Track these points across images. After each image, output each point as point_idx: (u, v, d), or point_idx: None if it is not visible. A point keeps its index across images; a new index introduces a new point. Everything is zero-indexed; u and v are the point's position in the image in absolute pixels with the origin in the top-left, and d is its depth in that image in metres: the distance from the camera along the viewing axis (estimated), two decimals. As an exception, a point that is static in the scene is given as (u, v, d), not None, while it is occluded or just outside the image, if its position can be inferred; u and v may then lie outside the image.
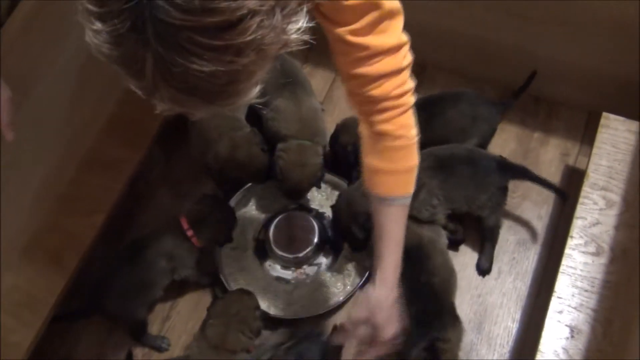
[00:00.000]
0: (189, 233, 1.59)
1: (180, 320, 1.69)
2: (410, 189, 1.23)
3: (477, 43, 1.80)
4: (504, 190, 1.63)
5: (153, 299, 1.65)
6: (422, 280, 1.52)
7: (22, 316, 1.54)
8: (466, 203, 1.60)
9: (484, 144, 1.74)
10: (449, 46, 1.87)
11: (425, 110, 1.69)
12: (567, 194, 1.67)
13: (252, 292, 1.57)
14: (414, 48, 1.98)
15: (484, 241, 1.69)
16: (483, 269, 1.69)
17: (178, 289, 1.71)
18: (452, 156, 1.61)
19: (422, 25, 1.81)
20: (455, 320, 1.50)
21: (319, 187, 1.76)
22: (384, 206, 1.24)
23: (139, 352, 1.66)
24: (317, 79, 1.97)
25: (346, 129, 1.72)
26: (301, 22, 0.81)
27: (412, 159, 1.21)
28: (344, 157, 1.73)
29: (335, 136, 1.75)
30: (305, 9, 0.82)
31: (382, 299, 1.27)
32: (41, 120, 1.55)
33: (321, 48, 2.09)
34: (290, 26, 0.79)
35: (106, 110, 1.76)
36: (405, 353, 1.46)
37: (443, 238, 1.63)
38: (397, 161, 1.19)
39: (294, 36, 0.80)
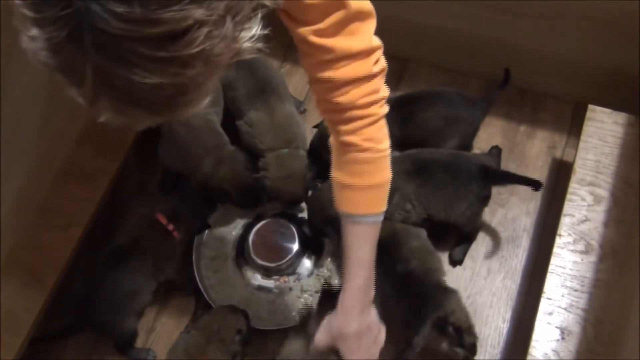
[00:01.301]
0: (170, 227, 1.59)
1: (165, 331, 1.66)
2: (381, 207, 1.16)
3: (460, 37, 1.76)
4: (484, 200, 1.58)
5: (142, 305, 1.61)
6: (399, 270, 1.49)
7: (1, 336, 1.50)
8: (444, 210, 1.56)
9: (466, 144, 1.71)
10: (432, 41, 1.83)
11: (400, 110, 1.66)
12: (541, 184, 1.58)
13: (242, 311, 1.52)
14: (396, 44, 1.94)
15: (462, 238, 1.66)
16: (455, 260, 1.66)
17: (162, 300, 1.68)
18: (432, 161, 1.57)
19: (404, 21, 1.78)
20: (446, 292, 1.47)
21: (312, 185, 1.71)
22: (351, 224, 1.17)
23: (124, 365, 1.63)
24: (297, 78, 1.92)
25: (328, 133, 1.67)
26: (255, 29, 0.77)
27: (382, 174, 1.14)
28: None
29: (322, 137, 1.67)
30: (259, 15, 0.78)
31: (343, 328, 1.21)
32: (13, 133, 1.50)
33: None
34: (242, 34, 0.75)
35: (80, 120, 1.72)
36: (411, 343, 1.44)
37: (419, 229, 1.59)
38: (363, 176, 1.12)
39: (247, 44, 0.76)
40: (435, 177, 1.54)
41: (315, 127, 1.76)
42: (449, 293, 1.48)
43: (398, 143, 1.67)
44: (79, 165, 1.69)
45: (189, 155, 1.64)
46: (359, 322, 1.21)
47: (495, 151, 1.73)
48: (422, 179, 1.54)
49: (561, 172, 1.71)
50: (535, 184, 1.57)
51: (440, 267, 1.54)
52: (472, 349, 1.45)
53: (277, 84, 1.72)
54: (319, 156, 1.67)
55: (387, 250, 1.50)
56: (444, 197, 1.54)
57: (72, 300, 1.62)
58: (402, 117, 1.65)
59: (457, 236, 1.67)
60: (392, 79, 1.88)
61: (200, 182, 1.64)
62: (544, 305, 1.42)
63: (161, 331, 1.66)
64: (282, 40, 1.89)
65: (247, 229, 1.71)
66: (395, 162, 1.53)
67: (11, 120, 1.48)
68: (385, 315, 1.42)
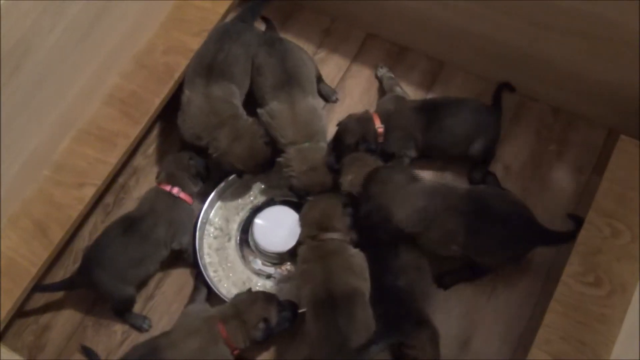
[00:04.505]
0: (175, 191, 1.61)
1: (163, 301, 1.67)
2: None
3: (497, 47, 1.72)
4: (523, 257, 1.57)
5: (146, 275, 1.62)
6: (388, 282, 1.46)
7: (2, 283, 1.53)
8: (479, 256, 1.53)
9: (491, 148, 1.69)
10: (470, 48, 1.79)
11: (425, 115, 1.67)
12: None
13: (281, 303, 1.50)
14: (434, 44, 1.89)
15: (465, 266, 1.61)
16: (443, 284, 1.62)
17: (165, 269, 1.68)
18: (493, 208, 1.50)
19: (443, 24, 1.74)
20: (420, 327, 1.43)
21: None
22: None
23: (118, 329, 1.64)
24: (331, 66, 1.90)
25: (348, 130, 1.65)
26: None
27: None
28: None
29: (338, 140, 1.66)
30: None
31: None
32: (39, 85, 1.51)
33: (338, 34, 2.00)
34: None
35: (107, 81, 1.72)
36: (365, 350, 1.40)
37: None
38: None
39: None
40: (490, 230, 1.48)
41: (338, 125, 1.71)
42: (423, 329, 1.43)
43: (420, 147, 1.66)
44: (100, 126, 1.70)
45: (204, 124, 1.63)
46: None
47: (491, 178, 1.70)
48: (474, 228, 1.48)
49: (583, 199, 1.66)
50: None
51: (430, 300, 1.51)
52: None
53: (303, 78, 1.70)
54: (339, 150, 1.66)
55: (381, 257, 1.50)
56: (487, 248, 1.51)
57: (76, 258, 1.64)
58: (426, 121, 1.65)
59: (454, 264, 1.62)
60: (426, 79, 1.87)
61: (213, 155, 1.63)
62: (543, 332, 1.39)
63: (159, 300, 1.67)
64: (320, 25, 1.91)
65: (254, 212, 1.71)
66: (455, 197, 1.50)
67: (37, 74, 1.49)
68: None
